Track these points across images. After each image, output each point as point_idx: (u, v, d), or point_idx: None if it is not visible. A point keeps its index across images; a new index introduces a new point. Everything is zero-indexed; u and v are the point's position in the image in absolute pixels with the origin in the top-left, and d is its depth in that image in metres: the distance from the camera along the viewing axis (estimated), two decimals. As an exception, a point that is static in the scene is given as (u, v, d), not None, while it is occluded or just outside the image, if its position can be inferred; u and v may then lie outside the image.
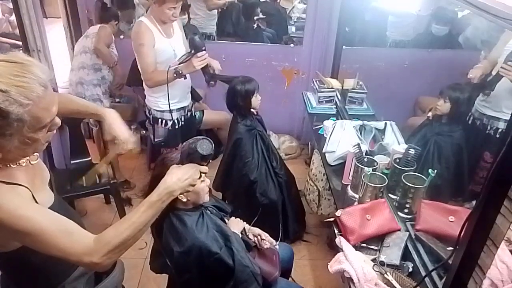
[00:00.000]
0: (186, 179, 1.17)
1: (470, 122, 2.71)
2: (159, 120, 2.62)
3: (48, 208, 1.12)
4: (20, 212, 0.99)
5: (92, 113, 1.47)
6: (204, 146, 1.28)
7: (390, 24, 3.69)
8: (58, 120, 1.06)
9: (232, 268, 1.56)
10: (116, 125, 1.44)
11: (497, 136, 2.51)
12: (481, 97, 2.58)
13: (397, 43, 3.70)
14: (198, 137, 1.31)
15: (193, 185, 1.21)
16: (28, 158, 1.13)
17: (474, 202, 1.08)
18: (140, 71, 2.47)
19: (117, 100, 3.43)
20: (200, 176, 1.26)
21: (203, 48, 2.27)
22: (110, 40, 3.01)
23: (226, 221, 1.76)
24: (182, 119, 2.68)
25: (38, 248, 1.03)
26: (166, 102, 2.47)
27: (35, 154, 1.15)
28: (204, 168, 1.27)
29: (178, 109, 2.63)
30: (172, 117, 2.59)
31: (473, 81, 2.43)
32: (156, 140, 2.71)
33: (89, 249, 1.03)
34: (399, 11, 3.60)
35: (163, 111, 2.58)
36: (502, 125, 2.48)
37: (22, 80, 0.94)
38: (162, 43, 2.43)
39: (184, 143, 1.32)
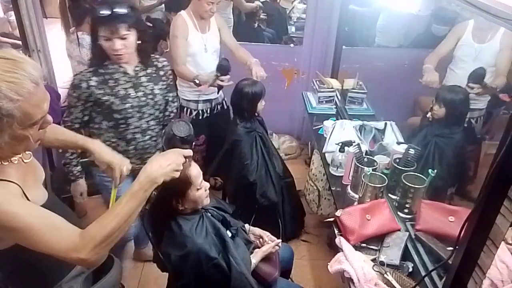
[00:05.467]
0: (168, 164, 1.14)
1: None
2: (185, 109, 2.78)
3: (40, 206, 1.12)
4: (6, 207, 0.99)
5: (79, 145, 1.51)
6: (181, 128, 1.23)
7: (377, 28, 3.69)
8: (49, 118, 1.07)
9: (228, 276, 1.55)
10: (105, 152, 1.47)
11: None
12: None
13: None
14: (176, 119, 1.28)
15: (178, 170, 1.17)
16: (20, 156, 1.13)
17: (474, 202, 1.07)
18: (172, 59, 2.61)
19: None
20: (186, 161, 1.21)
21: (228, 73, 2.49)
22: None
23: (227, 219, 1.75)
24: (208, 111, 2.82)
25: (26, 244, 1.03)
26: (192, 92, 2.70)
27: (27, 152, 1.15)
28: (187, 152, 1.22)
29: (205, 101, 2.76)
30: (197, 107, 2.77)
31: (433, 85, 2.50)
32: None
33: (75, 245, 1.02)
34: (393, 12, 3.59)
35: (189, 100, 2.75)
36: None
37: (13, 76, 0.94)
38: (194, 37, 2.60)
39: (164, 129, 1.29)
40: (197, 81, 2.51)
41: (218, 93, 2.72)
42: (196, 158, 2.97)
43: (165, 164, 1.13)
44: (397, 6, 3.40)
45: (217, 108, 2.86)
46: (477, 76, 2.36)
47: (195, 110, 2.79)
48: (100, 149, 1.48)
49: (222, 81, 2.49)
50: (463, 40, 2.62)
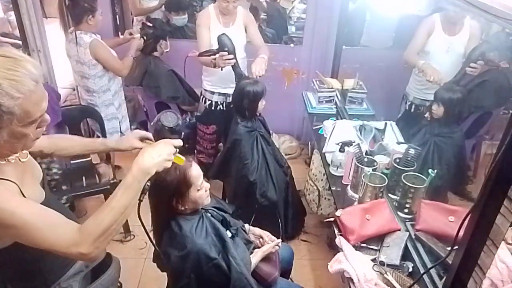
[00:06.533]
0: (159, 155, 1.14)
1: (412, 110, 2.89)
2: (201, 97, 2.97)
3: None
4: (4, 205, 0.99)
5: (98, 147, 1.53)
6: (169, 118, 1.24)
7: (365, 29, 3.66)
8: (47, 117, 1.07)
9: (228, 276, 1.55)
10: (121, 143, 1.48)
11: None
12: (420, 85, 2.77)
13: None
14: (164, 110, 1.27)
15: (169, 160, 1.17)
16: (17, 155, 1.14)
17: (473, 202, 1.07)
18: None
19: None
20: (176, 151, 1.21)
21: (226, 49, 2.46)
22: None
23: (227, 219, 1.75)
24: (224, 104, 2.91)
25: (26, 241, 1.04)
26: (209, 82, 2.86)
27: (24, 151, 1.16)
28: (177, 142, 1.22)
29: (220, 94, 2.88)
30: (212, 98, 2.89)
31: (440, 82, 2.50)
32: (197, 113, 3.08)
33: (75, 240, 1.02)
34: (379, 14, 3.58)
35: (206, 90, 2.92)
36: None
37: (14, 74, 0.95)
38: (215, 29, 2.70)
39: (153, 121, 1.29)
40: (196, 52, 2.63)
41: (236, 80, 2.63)
42: (206, 146, 3.01)
43: (156, 155, 1.13)
44: (398, 6, 3.42)
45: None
46: (479, 53, 2.37)
47: (209, 100, 2.90)
48: (116, 143, 1.51)
49: (222, 57, 2.44)
50: (435, 34, 2.67)
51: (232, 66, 2.51)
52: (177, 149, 1.22)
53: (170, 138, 1.23)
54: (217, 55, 2.49)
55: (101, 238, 1.04)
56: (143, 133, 1.44)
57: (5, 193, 1.03)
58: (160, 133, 1.25)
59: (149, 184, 1.15)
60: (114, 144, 1.51)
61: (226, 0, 2.60)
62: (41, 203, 1.15)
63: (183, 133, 1.32)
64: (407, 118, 2.91)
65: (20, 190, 1.09)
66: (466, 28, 2.62)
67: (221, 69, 2.56)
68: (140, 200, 1.16)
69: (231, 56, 2.47)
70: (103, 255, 1.39)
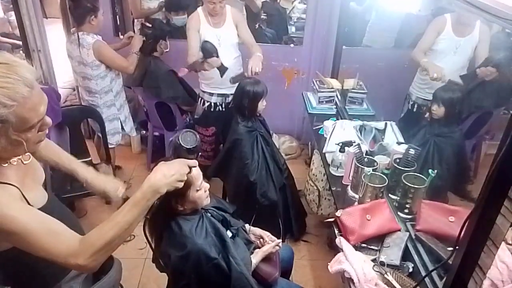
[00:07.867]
0: (172, 175, 1.12)
1: (414, 110, 2.91)
2: (199, 99, 2.98)
3: (40, 208, 1.11)
4: (5, 211, 0.98)
5: (70, 169, 1.46)
6: (188, 138, 1.22)
7: (368, 29, 3.68)
8: (48, 120, 1.06)
9: (229, 276, 1.55)
10: (96, 181, 1.45)
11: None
12: (423, 84, 2.79)
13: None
14: (184, 130, 1.27)
15: (182, 181, 1.16)
16: (20, 157, 1.13)
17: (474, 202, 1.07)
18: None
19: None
20: (190, 172, 1.20)
21: (214, 55, 2.53)
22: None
23: (228, 219, 1.75)
24: (223, 105, 2.94)
25: (24, 248, 1.03)
26: (207, 84, 2.89)
27: (27, 154, 1.15)
28: (193, 162, 1.21)
29: (219, 95, 2.91)
30: (211, 99, 2.92)
31: (441, 79, 2.51)
32: (195, 116, 3.08)
33: (74, 250, 1.02)
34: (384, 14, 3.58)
35: (204, 92, 2.94)
36: None
37: (5, 81, 0.93)
38: (206, 30, 2.75)
39: (172, 138, 1.29)
40: (186, 69, 2.66)
41: (222, 76, 2.67)
42: (205, 148, 3.01)
43: (169, 174, 1.12)
44: (398, 6, 3.42)
45: (231, 103, 2.89)
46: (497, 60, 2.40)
47: (208, 102, 2.92)
48: (91, 177, 1.45)
49: (208, 63, 2.54)
50: (444, 34, 2.68)
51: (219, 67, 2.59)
52: (191, 169, 1.21)
53: (187, 158, 1.22)
54: (205, 65, 2.55)
55: (101, 251, 1.04)
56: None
57: (7, 198, 1.02)
58: (177, 151, 1.23)
59: (157, 202, 1.13)
60: (89, 179, 1.45)
61: (212, 1, 2.60)
62: (43, 206, 1.15)
63: (199, 153, 1.30)
64: (409, 117, 2.91)
65: (22, 193, 1.08)
66: (476, 31, 2.63)
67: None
68: (146, 218, 1.15)
69: (219, 60, 2.55)
70: (99, 266, 1.39)
